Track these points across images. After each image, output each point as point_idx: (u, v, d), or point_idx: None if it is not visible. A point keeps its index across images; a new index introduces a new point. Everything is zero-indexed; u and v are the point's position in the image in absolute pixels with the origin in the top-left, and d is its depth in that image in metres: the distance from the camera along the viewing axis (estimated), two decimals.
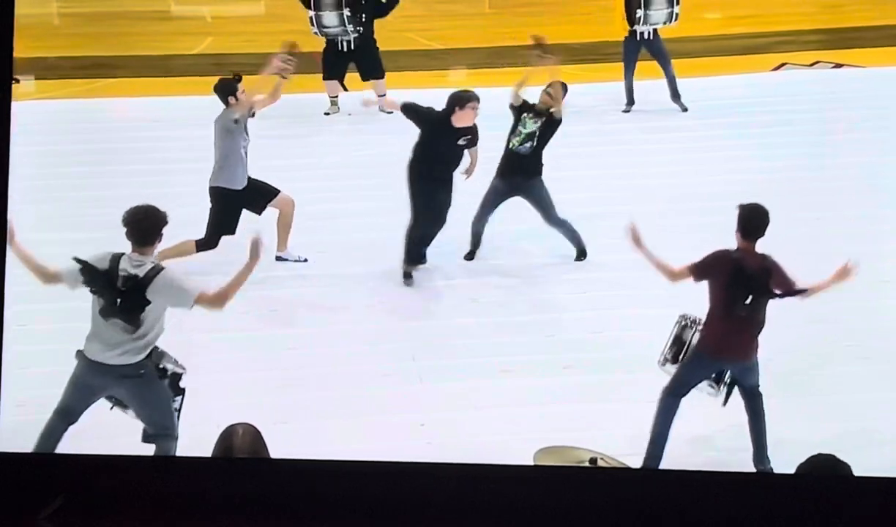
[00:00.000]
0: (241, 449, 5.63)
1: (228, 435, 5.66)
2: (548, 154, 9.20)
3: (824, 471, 5.56)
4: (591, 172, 10.11)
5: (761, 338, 7.11)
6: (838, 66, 11.85)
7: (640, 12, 11.24)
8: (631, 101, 11.42)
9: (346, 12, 11.37)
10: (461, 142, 9.02)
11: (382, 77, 11.47)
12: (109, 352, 6.71)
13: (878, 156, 10.07)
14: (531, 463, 6.34)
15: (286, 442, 6.20)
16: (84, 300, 8.17)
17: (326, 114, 11.63)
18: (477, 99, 9.01)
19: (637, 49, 11.37)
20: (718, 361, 7.18)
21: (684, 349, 7.31)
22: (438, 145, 8.98)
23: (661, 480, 6.67)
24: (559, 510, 5.88)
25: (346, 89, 11.66)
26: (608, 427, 7.12)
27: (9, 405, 6.75)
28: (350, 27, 11.42)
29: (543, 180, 9.16)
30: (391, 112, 11.39)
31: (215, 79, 9.57)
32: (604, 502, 5.97)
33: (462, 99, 9.00)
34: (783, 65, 11.99)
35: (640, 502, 6.04)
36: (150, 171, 10.05)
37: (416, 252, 9.10)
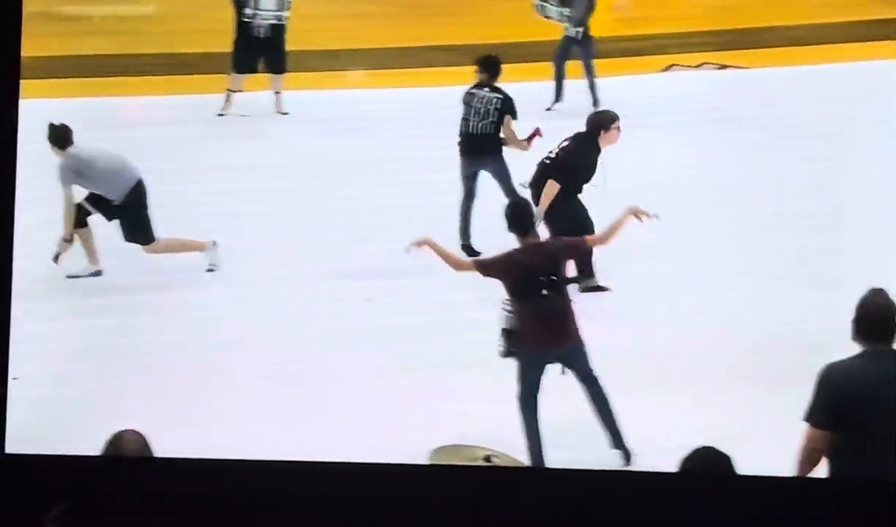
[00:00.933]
0: (128, 453, 5.65)
1: (116, 440, 5.68)
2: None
3: (705, 465, 5.55)
4: None
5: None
6: (723, 67, 12.18)
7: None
8: (556, 100, 11.31)
9: None
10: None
11: (284, 72, 11.17)
12: None
13: (766, 153, 10.31)
14: (428, 461, 6.49)
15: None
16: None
17: (220, 115, 11.15)
18: (618, 117, 8.67)
19: (565, 46, 11.27)
20: (545, 351, 7.21)
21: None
22: (591, 169, 8.69)
23: (556, 478, 6.77)
24: (452, 509, 5.94)
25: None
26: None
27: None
28: (286, 13, 11.01)
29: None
30: (287, 113, 11.33)
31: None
32: (497, 500, 6.08)
33: (606, 121, 8.67)
34: (671, 66, 12.32)
35: (534, 499, 6.14)
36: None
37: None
